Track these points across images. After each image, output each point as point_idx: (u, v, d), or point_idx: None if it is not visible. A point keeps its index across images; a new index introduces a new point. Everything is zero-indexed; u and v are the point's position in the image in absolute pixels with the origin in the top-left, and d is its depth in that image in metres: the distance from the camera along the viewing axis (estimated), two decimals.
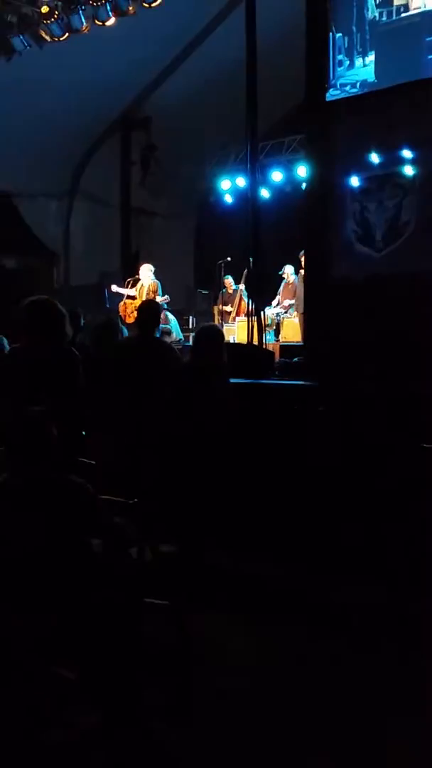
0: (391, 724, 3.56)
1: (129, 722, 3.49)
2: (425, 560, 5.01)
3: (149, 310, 6.13)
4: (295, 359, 9.60)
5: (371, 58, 8.50)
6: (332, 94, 8.75)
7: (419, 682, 3.96)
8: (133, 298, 12.15)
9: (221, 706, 3.68)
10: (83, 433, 5.90)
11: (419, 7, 8.10)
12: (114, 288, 12.49)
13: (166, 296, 12.14)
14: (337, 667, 4.09)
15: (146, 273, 12.16)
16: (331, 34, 8.69)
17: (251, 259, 10.07)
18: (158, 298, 11.93)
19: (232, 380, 5.91)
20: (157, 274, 12.23)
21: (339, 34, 8.68)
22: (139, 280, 12.20)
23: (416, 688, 3.91)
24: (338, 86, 8.73)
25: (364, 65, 8.54)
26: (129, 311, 11.85)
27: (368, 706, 3.70)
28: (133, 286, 12.22)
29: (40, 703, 3.40)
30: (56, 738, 3.38)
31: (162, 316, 12.02)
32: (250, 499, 6.11)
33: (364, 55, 8.54)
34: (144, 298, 11.88)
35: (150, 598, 4.07)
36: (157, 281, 12.09)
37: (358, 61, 8.58)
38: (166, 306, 12.17)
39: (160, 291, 12.10)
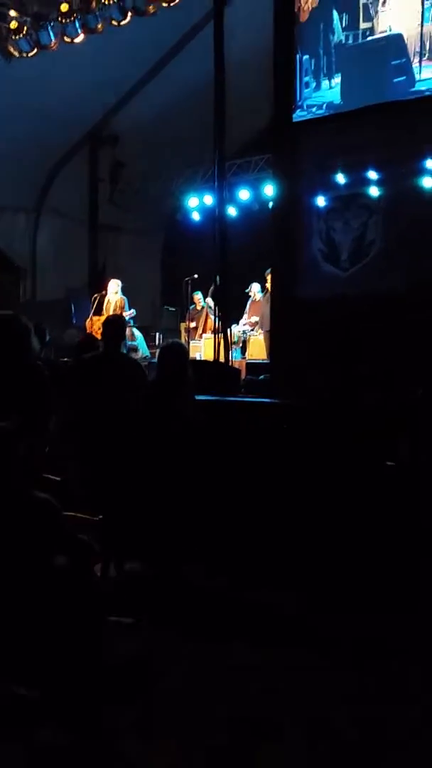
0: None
1: (92, 741, 3.46)
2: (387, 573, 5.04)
3: (114, 325, 6.12)
4: (262, 377, 9.64)
5: (337, 80, 8.62)
6: (299, 115, 8.87)
7: None
8: (99, 313, 12.15)
9: (184, 723, 3.65)
10: (46, 449, 5.88)
11: (384, 31, 8.25)
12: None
13: (132, 311, 12.14)
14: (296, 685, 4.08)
15: (113, 288, 12.17)
16: (298, 56, 8.81)
17: (218, 277, 10.12)
18: (125, 314, 11.93)
19: (198, 397, 5.91)
20: (125, 291, 12.24)
21: (306, 56, 8.79)
22: (105, 295, 12.19)
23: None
24: (305, 107, 8.85)
25: (331, 87, 8.66)
26: (96, 327, 11.83)
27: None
28: (100, 302, 12.21)
29: (3, 722, 3.36)
30: (19, 757, 3.34)
31: (128, 332, 12.03)
32: (217, 514, 6.10)
33: (330, 77, 8.66)
34: (111, 314, 11.87)
35: (114, 616, 4.05)
36: (124, 297, 12.10)
37: (325, 83, 8.71)
38: (132, 322, 12.17)
39: (126, 307, 12.11)
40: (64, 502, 3.66)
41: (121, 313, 11.86)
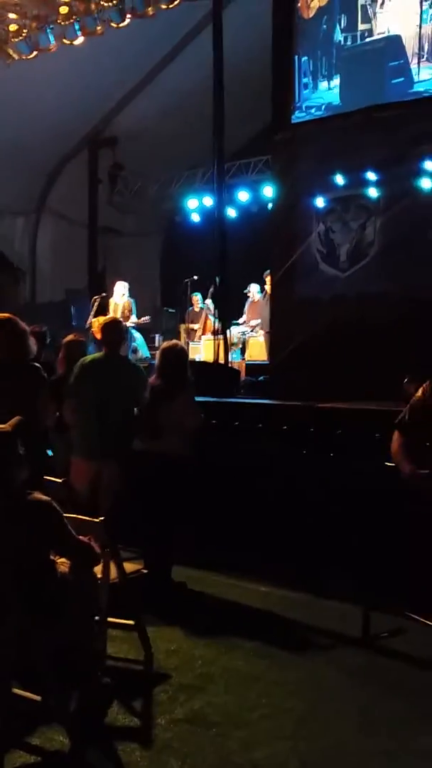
0: None
1: (93, 744, 3.47)
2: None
3: (114, 328, 6.12)
4: (261, 378, 9.65)
5: (336, 81, 8.64)
6: (298, 116, 8.89)
7: None
8: (104, 314, 12.12)
9: (187, 727, 3.66)
10: (49, 451, 5.89)
11: (383, 32, 8.26)
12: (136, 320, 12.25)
13: (147, 317, 12.15)
14: (306, 690, 4.09)
15: (120, 291, 12.14)
16: (296, 57, 8.82)
17: (217, 278, 10.13)
18: (132, 317, 11.93)
19: (198, 398, 5.93)
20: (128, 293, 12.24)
21: (305, 58, 8.82)
22: (105, 297, 12.17)
23: None
24: (304, 108, 8.87)
25: (329, 88, 8.69)
26: (96, 329, 11.82)
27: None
28: (103, 305, 12.18)
29: (4, 726, 3.37)
30: (21, 762, 3.35)
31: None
32: (216, 514, 6.12)
33: (329, 78, 8.68)
34: (118, 317, 11.88)
35: (115, 617, 4.06)
36: (131, 299, 12.10)
37: (324, 84, 8.73)
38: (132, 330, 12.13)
39: (134, 310, 12.10)
40: (65, 505, 3.67)
41: (129, 316, 11.86)
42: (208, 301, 12.54)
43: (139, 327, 12.51)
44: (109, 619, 3.98)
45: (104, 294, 12.27)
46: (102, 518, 3.89)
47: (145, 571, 4.56)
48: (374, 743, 3.50)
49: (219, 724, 3.66)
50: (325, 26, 8.62)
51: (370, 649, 4.55)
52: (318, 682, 4.15)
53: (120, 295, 12.09)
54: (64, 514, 3.47)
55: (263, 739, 3.55)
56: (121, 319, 11.33)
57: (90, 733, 3.49)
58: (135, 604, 4.16)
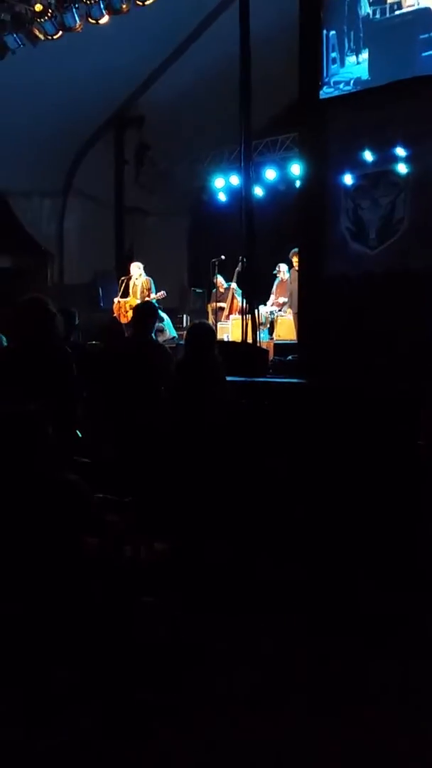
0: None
1: (126, 722, 3.49)
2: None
3: (144, 311, 6.12)
4: (290, 357, 9.61)
5: (365, 55, 8.50)
6: (326, 92, 8.76)
7: None
8: (126, 296, 12.17)
9: (217, 707, 3.67)
10: (78, 432, 5.91)
11: (413, 5, 8.10)
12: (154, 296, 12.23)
13: (162, 292, 12.16)
14: (339, 663, 4.09)
15: (137, 271, 12.20)
16: (324, 31, 8.69)
17: (242, 258, 10.07)
18: (152, 295, 11.94)
19: (227, 378, 5.91)
20: (151, 272, 12.24)
21: (332, 32, 8.68)
22: (131, 278, 12.21)
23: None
24: (332, 84, 8.73)
25: (358, 63, 8.54)
26: (123, 310, 11.86)
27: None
28: (127, 285, 12.23)
29: (37, 704, 3.40)
30: (54, 739, 3.37)
31: None
32: (246, 495, 6.11)
33: (357, 52, 8.54)
34: (138, 297, 11.90)
35: (145, 597, 4.07)
36: (150, 278, 12.12)
37: (352, 59, 8.59)
38: (156, 303, 12.16)
39: (153, 288, 12.11)
40: (95, 484, 3.68)
41: (149, 295, 11.89)
42: (233, 283, 12.50)
43: (161, 306, 12.53)
44: (141, 598, 3.99)
45: (130, 275, 12.30)
46: (130, 498, 3.89)
47: (174, 550, 4.57)
48: None
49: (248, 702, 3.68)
50: (348, 0, 8.48)
51: None
52: None
53: (137, 275, 12.13)
54: (94, 495, 3.48)
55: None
56: (140, 299, 11.40)
57: (122, 711, 3.51)
58: (165, 584, 4.17)
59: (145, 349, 5.95)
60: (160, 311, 12.25)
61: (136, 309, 6.17)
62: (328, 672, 4.03)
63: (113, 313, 12.15)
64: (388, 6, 8.30)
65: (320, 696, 3.76)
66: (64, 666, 3.48)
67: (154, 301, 11.58)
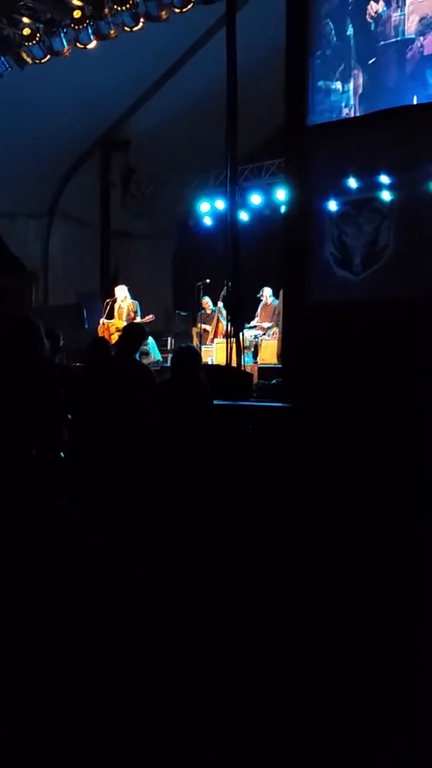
0: None
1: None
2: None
3: (135, 332, 6.14)
4: (273, 381, 9.63)
5: (350, 84, 8.60)
6: (311, 119, 8.85)
7: None
8: (111, 318, 12.19)
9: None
10: (62, 454, 5.89)
11: (397, 36, 8.22)
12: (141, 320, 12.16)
13: (151, 316, 12.20)
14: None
15: (122, 294, 12.21)
16: (310, 60, 8.79)
17: (227, 282, 10.12)
18: (138, 318, 11.96)
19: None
20: (137, 295, 12.27)
21: (319, 61, 8.78)
22: (116, 300, 12.23)
23: None
24: (317, 111, 8.83)
25: (343, 91, 8.64)
26: (108, 332, 11.88)
27: None
28: (112, 307, 12.25)
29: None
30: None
31: None
32: (229, 518, 6.09)
33: (343, 81, 8.64)
34: (123, 319, 11.92)
35: (127, 618, 4.05)
36: (135, 301, 12.14)
37: (338, 86, 8.68)
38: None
39: (139, 311, 12.14)
40: (77, 505, 3.67)
41: (135, 318, 11.91)
42: (220, 304, 12.56)
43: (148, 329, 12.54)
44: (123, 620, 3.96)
45: (115, 298, 12.33)
46: (115, 520, 3.88)
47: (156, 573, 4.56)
48: None
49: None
50: (334, 29, 8.59)
51: None
52: None
53: (122, 298, 12.15)
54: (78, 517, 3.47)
55: None
56: (126, 321, 11.42)
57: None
58: (149, 606, 4.14)
59: (128, 367, 5.96)
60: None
61: (128, 329, 6.18)
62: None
63: (98, 334, 12.16)
64: (373, 35, 8.42)
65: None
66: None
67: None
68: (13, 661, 3.25)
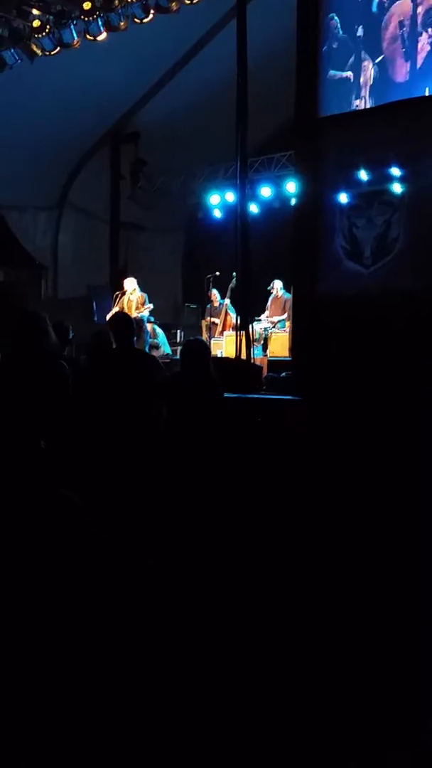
0: None
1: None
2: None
3: (118, 321, 6.08)
4: (283, 374, 9.61)
5: (361, 75, 8.56)
6: (322, 111, 8.80)
7: None
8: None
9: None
10: (71, 445, 5.89)
11: (407, 28, 8.17)
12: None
13: (150, 305, 12.19)
14: None
15: (130, 286, 12.20)
16: (321, 51, 8.75)
17: (234, 274, 10.09)
18: (144, 308, 11.98)
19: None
20: (146, 288, 12.26)
21: (329, 52, 8.74)
22: (125, 293, 12.22)
23: None
24: (328, 103, 8.78)
25: (353, 81, 8.60)
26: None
27: None
28: (120, 300, 12.25)
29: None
30: None
31: (150, 329, 12.07)
32: (239, 511, 6.08)
33: (354, 71, 8.60)
34: (133, 312, 11.93)
35: (137, 613, 4.04)
36: (144, 294, 12.14)
37: (349, 77, 8.64)
38: (152, 318, 12.20)
39: (147, 303, 12.15)
40: (86, 497, 3.66)
41: (143, 310, 11.91)
42: (228, 296, 12.55)
43: (158, 322, 12.56)
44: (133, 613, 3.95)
45: (124, 290, 12.32)
46: (124, 513, 3.87)
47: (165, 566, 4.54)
48: None
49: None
50: (342, 19, 8.55)
51: None
52: None
53: (131, 290, 12.13)
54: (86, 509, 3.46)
55: None
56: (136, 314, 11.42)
57: None
58: (157, 600, 4.13)
59: (134, 359, 5.92)
60: (156, 327, 12.35)
61: (112, 320, 6.11)
62: None
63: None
64: (382, 27, 8.37)
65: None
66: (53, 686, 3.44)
67: (144, 314, 11.66)
68: (16, 656, 3.25)
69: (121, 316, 6.53)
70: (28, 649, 3.26)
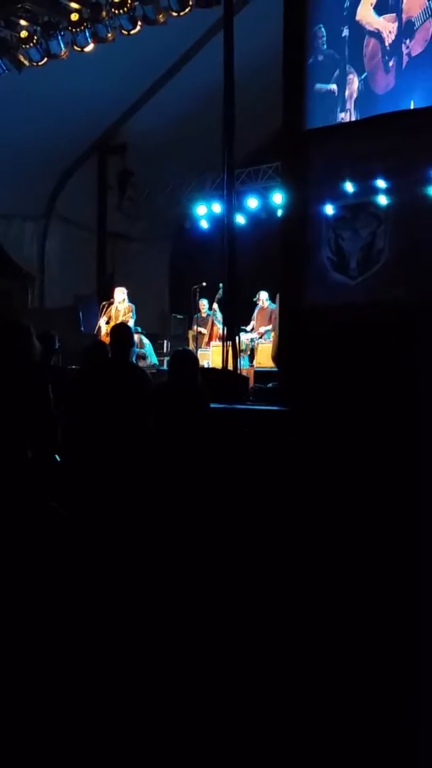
0: None
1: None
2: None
3: (121, 333, 6.12)
4: (270, 384, 9.63)
5: (347, 88, 8.62)
6: (308, 124, 8.86)
7: None
8: (108, 321, 12.18)
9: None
10: (57, 457, 5.88)
11: (389, 40, 8.25)
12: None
13: (132, 317, 12.19)
14: None
15: (120, 296, 12.19)
16: (307, 64, 8.81)
17: (221, 285, 10.11)
18: (131, 321, 11.96)
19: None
20: (133, 298, 12.26)
21: (315, 65, 8.80)
22: (113, 303, 12.21)
23: None
24: (314, 115, 8.84)
25: (339, 95, 8.66)
26: (104, 334, 11.86)
27: None
28: (107, 309, 12.24)
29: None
30: None
31: (137, 339, 12.06)
32: (226, 520, 6.08)
33: (340, 84, 8.66)
34: (119, 321, 11.91)
35: (125, 623, 4.03)
36: (132, 304, 12.13)
37: (334, 90, 8.70)
38: (140, 329, 12.20)
39: (134, 314, 12.13)
40: (72, 508, 3.66)
41: (129, 320, 11.90)
42: (215, 307, 12.56)
43: (145, 333, 12.55)
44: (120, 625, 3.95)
45: (112, 300, 12.31)
46: (111, 524, 3.87)
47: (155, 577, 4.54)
48: None
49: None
50: (328, 33, 8.62)
51: None
52: None
53: (120, 300, 12.12)
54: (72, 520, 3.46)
55: None
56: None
57: None
58: (147, 611, 4.13)
59: (125, 372, 5.95)
60: (143, 337, 12.34)
61: (115, 331, 6.14)
62: None
63: (98, 338, 12.15)
64: (366, 41, 8.44)
65: None
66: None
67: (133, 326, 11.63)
68: (7, 667, 3.24)
69: (124, 328, 6.54)
70: (17, 659, 3.25)
